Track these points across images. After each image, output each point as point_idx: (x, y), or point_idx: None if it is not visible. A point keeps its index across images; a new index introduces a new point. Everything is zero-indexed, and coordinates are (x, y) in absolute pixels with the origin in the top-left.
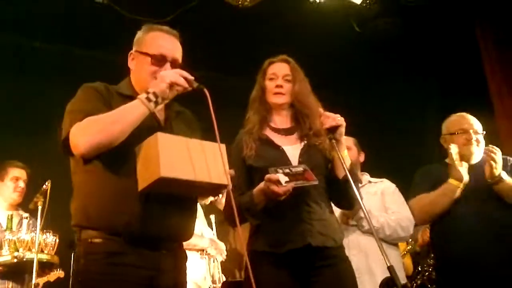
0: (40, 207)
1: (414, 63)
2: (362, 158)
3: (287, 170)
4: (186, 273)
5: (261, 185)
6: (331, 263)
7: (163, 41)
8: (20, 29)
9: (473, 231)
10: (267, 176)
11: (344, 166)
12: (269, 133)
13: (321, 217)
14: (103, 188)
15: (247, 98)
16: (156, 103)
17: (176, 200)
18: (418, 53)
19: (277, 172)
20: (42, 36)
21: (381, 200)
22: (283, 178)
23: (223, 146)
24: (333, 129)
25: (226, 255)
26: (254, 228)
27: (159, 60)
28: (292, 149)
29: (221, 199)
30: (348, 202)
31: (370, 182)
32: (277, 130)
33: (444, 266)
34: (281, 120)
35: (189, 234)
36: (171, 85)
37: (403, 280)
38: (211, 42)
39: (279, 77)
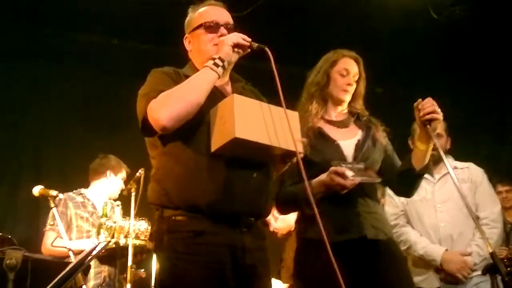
0: (133, 194)
1: (488, 50)
2: (449, 144)
3: (350, 165)
4: (266, 252)
5: (322, 176)
6: (382, 253)
7: (210, 10)
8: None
9: None
10: (334, 168)
11: (442, 155)
12: (323, 125)
13: (373, 210)
14: (181, 170)
15: None
16: (224, 68)
17: (253, 176)
18: (492, 39)
19: (341, 166)
20: (132, 34)
21: (472, 191)
22: (349, 172)
23: (296, 114)
24: (428, 121)
25: None
26: (306, 216)
27: (213, 26)
28: (347, 144)
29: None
30: (409, 191)
31: (456, 168)
32: (331, 122)
33: None
34: (336, 114)
35: (267, 211)
36: (234, 47)
37: None
38: (288, 35)
39: (350, 74)
